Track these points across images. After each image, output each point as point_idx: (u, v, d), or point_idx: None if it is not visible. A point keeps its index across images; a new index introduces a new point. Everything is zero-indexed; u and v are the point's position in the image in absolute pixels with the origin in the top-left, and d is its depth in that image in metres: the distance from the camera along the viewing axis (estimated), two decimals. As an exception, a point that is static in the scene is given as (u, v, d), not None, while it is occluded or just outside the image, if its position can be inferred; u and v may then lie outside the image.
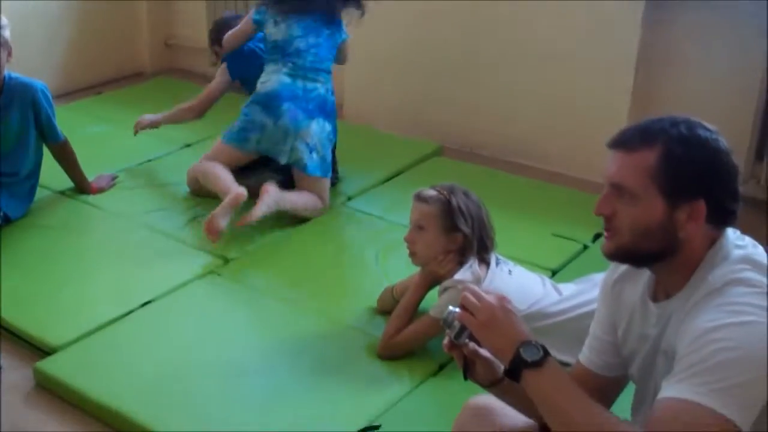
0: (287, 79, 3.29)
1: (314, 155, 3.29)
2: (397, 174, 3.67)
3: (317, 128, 3.30)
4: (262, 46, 3.47)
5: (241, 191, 3.13)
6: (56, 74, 4.58)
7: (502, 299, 1.53)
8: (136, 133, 3.72)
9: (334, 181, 3.51)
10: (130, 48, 5.01)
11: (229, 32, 3.50)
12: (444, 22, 3.95)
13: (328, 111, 3.37)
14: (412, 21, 4.04)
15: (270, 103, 3.26)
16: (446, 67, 4.01)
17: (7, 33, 3.15)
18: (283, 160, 3.28)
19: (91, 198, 3.47)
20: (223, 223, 3.08)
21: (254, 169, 3.41)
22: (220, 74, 3.58)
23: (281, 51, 3.32)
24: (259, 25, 3.41)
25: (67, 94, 4.58)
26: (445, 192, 2.45)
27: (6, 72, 3.20)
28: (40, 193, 3.43)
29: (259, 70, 3.39)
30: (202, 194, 3.43)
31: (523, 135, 3.90)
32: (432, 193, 2.46)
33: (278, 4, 3.33)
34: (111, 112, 4.38)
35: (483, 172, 3.70)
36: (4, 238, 3.14)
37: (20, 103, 3.24)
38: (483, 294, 1.53)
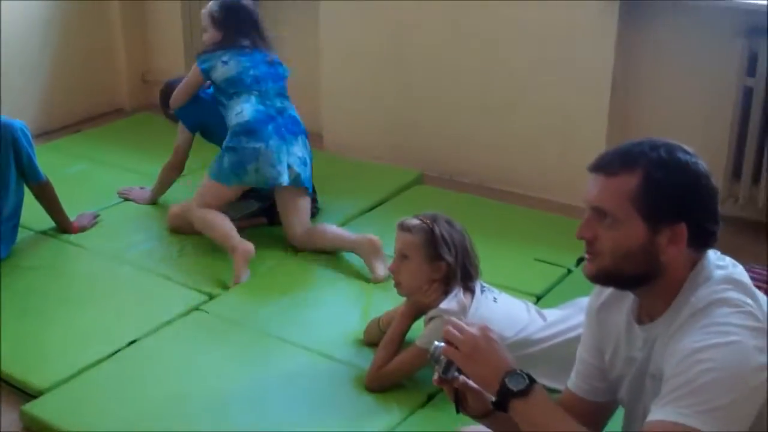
0: (260, 106, 3.31)
1: (307, 169, 3.34)
2: (379, 203, 3.68)
3: (303, 143, 3.36)
4: (209, 91, 3.49)
5: (249, 247, 3.13)
6: (35, 113, 4.56)
7: (484, 329, 1.54)
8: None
9: (314, 212, 3.52)
10: (109, 85, 5.01)
11: (176, 90, 3.51)
12: (421, 49, 3.98)
13: (303, 130, 3.42)
14: (389, 47, 4.07)
15: (254, 129, 3.26)
16: (424, 93, 4.04)
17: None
18: (284, 181, 3.24)
19: (73, 237, 3.46)
20: (245, 277, 3.10)
21: (236, 201, 3.42)
22: (181, 131, 3.59)
23: (241, 83, 3.35)
24: (207, 72, 3.40)
25: (47, 133, 4.56)
26: (428, 221, 2.46)
27: (-17, 113, 3.21)
28: (21, 234, 3.41)
29: (215, 116, 3.42)
30: (184, 232, 3.43)
31: (504, 161, 3.93)
32: (415, 222, 2.47)
33: (221, 45, 3.38)
34: (91, 150, 4.37)
35: (465, 199, 3.72)
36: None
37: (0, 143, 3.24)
38: (465, 326, 1.55)
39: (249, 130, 3.26)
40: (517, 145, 3.88)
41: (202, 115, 3.53)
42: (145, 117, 4.81)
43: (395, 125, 4.17)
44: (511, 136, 3.88)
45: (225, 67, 3.36)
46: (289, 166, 3.26)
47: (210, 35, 3.45)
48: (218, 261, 3.22)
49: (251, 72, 3.36)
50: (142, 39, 5.01)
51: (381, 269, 3.06)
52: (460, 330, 1.53)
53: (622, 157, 1.51)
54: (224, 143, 3.32)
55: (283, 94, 3.42)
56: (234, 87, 3.35)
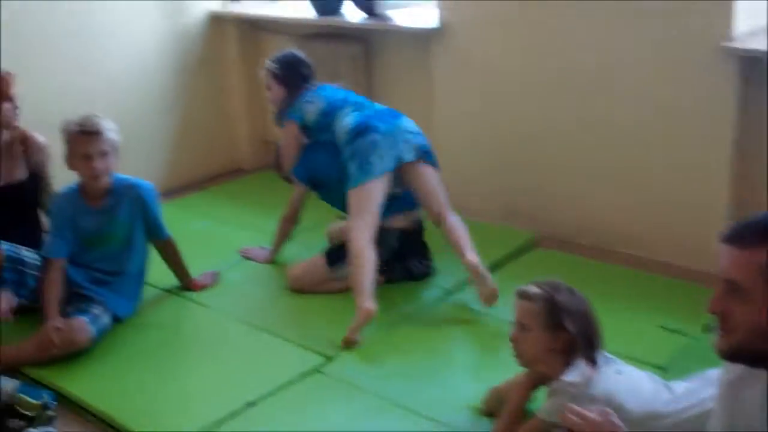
0: (357, 112, 3.46)
1: (425, 140, 3.46)
2: (495, 266, 3.64)
3: (408, 120, 3.48)
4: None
5: (372, 309, 3.15)
6: (162, 172, 4.77)
7: (606, 414, 1.50)
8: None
9: (427, 273, 3.53)
10: (230, 145, 5.18)
11: (281, 154, 3.67)
12: (535, 109, 3.96)
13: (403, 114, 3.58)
14: (501, 108, 4.07)
15: (362, 128, 3.37)
16: (538, 152, 4.00)
17: (115, 137, 3.30)
18: (409, 157, 3.36)
19: (195, 295, 3.55)
20: (358, 337, 3.13)
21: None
22: (296, 185, 3.68)
23: (334, 109, 3.52)
24: (301, 120, 3.57)
25: (171, 192, 4.74)
26: (548, 289, 2.42)
27: (114, 173, 3.34)
28: (147, 292, 3.53)
29: (322, 163, 3.53)
30: (303, 292, 3.48)
31: (622, 222, 3.84)
32: (535, 290, 2.43)
33: (290, 97, 3.60)
34: (214, 207, 4.52)
35: (582, 263, 3.65)
36: (112, 337, 3.23)
37: (128, 203, 3.36)
38: (586, 412, 1.50)
39: (358, 131, 3.37)
40: (635, 205, 3.79)
41: (311, 166, 3.60)
42: (264, 176, 4.94)
43: (509, 185, 4.15)
44: (629, 196, 3.80)
45: (313, 105, 3.55)
46: (406, 142, 3.37)
47: (275, 92, 3.66)
48: (337, 322, 3.23)
49: (337, 96, 3.58)
50: (262, 103, 5.16)
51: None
52: (582, 417, 1.50)
53: (754, 229, 1.47)
54: (345, 155, 3.39)
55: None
56: (330, 116, 3.51)
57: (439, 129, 4.26)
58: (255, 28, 5.05)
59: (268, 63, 3.66)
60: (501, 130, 4.10)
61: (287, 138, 3.64)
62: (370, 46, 4.55)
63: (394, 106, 4.05)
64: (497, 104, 4.08)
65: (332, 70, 4.53)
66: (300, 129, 3.60)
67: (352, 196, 3.34)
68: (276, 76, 3.63)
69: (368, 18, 4.38)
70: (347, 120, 3.43)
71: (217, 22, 4.99)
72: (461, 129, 4.23)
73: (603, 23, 3.64)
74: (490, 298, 3.22)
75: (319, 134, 3.56)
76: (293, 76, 3.63)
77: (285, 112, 3.63)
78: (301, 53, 3.76)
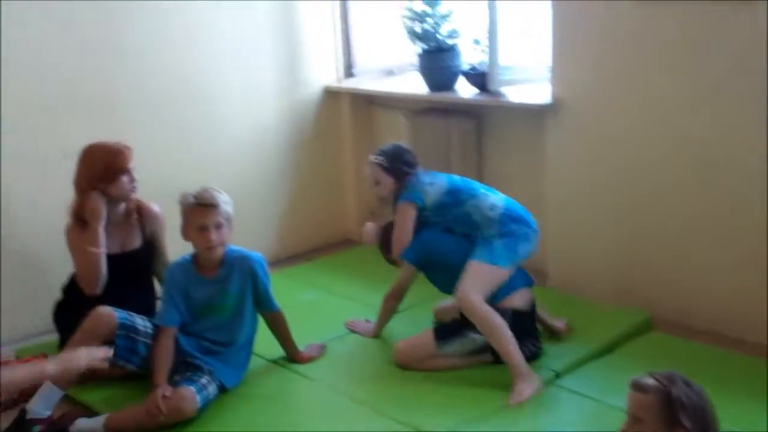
0: (498, 195, 3.52)
1: None
2: (608, 349, 3.52)
3: None
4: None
5: (540, 382, 3.23)
6: (271, 242, 4.85)
7: None
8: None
9: (536, 354, 3.45)
10: (340, 217, 5.24)
11: (395, 237, 3.62)
12: (652, 184, 3.86)
13: None
14: (617, 183, 3.98)
15: (518, 216, 3.46)
16: (655, 231, 3.89)
17: (230, 209, 3.37)
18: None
19: (302, 367, 3.55)
20: (526, 396, 3.17)
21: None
22: (404, 269, 3.66)
23: (458, 189, 3.54)
24: (421, 202, 3.56)
25: (280, 261, 4.80)
26: (664, 381, 2.31)
27: (227, 245, 3.40)
28: (254, 362, 3.54)
29: (437, 247, 3.52)
30: (410, 368, 3.44)
31: (742, 307, 3.67)
32: (650, 381, 2.33)
33: (400, 186, 3.62)
34: (322, 278, 4.55)
35: (698, 349, 3.49)
36: (217, 406, 3.25)
37: (239, 274, 3.41)
38: None
39: (514, 217, 3.43)
40: (756, 289, 3.61)
41: (422, 251, 3.57)
42: (372, 248, 4.94)
43: (623, 264, 4.04)
44: (750, 280, 3.62)
45: (435, 186, 3.57)
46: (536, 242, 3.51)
47: (384, 185, 3.67)
48: (441, 400, 3.18)
49: (456, 178, 3.62)
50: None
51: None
52: None
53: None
54: (489, 232, 3.41)
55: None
56: (455, 196, 3.52)
57: (550, 206, 4.21)
58: (368, 102, 5.13)
59: (374, 158, 3.68)
60: (616, 207, 4.01)
61: (404, 221, 3.59)
62: (482, 122, 4.55)
63: (505, 182, 4.07)
64: (612, 181, 4.00)
65: (443, 146, 4.56)
66: (417, 212, 3.59)
67: (482, 269, 3.36)
68: (385, 169, 3.65)
69: (481, 94, 4.39)
70: (492, 201, 3.48)
71: (332, 96, 5.09)
72: (574, 206, 4.16)
73: (729, 99, 3.55)
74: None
75: (434, 217, 3.55)
76: (401, 165, 3.64)
77: (401, 195, 3.61)
78: (403, 144, 3.80)
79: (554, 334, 3.62)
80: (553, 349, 3.52)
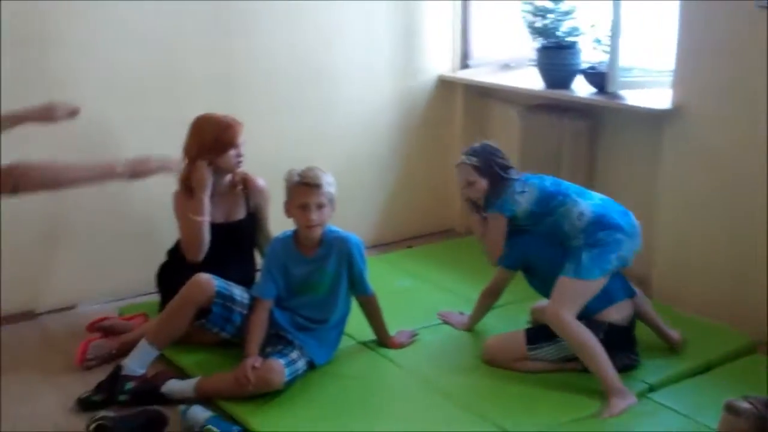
0: (590, 200, 3.39)
1: None
2: (706, 368, 3.41)
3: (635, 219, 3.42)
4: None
5: (634, 398, 3.16)
6: (372, 226, 4.89)
7: None
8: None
9: (633, 366, 3.36)
10: (445, 206, 5.23)
11: (487, 246, 3.57)
12: (763, 201, 3.71)
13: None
14: (736, 197, 3.82)
15: (604, 221, 3.31)
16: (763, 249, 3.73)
17: (333, 190, 3.40)
18: (631, 262, 3.37)
19: (391, 352, 3.56)
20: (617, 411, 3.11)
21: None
22: (500, 273, 3.61)
23: (550, 196, 3.43)
24: (512, 212, 3.47)
25: (380, 246, 4.83)
26: (759, 406, 2.23)
27: (327, 225, 3.44)
28: (344, 342, 3.58)
29: (534, 252, 3.45)
30: (497, 365, 3.41)
31: None
32: (745, 405, 2.24)
33: (495, 188, 3.49)
34: (419, 266, 4.55)
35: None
36: (305, 382, 3.30)
37: (337, 255, 3.45)
38: None
39: (601, 224, 3.30)
40: None
41: (523, 254, 3.52)
42: (474, 240, 4.91)
43: (732, 281, 3.88)
44: None
45: (526, 195, 3.45)
46: (637, 245, 3.36)
47: (477, 186, 3.55)
48: (525, 401, 3.15)
49: (547, 183, 3.48)
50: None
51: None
52: None
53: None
54: (576, 242, 3.31)
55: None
56: (546, 204, 3.42)
57: (662, 215, 4.09)
58: (481, 94, 5.09)
59: (467, 158, 3.60)
60: (731, 221, 3.85)
61: (495, 232, 3.53)
62: (597, 124, 4.45)
63: (616, 186, 3.96)
64: (729, 194, 3.84)
65: (555, 144, 4.48)
66: (508, 221, 3.53)
67: (572, 285, 3.26)
68: (478, 169, 3.54)
69: (598, 94, 4.29)
70: (581, 208, 3.36)
71: (446, 85, 5.07)
72: (687, 217, 4.02)
73: None
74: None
75: (528, 224, 3.48)
76: (494, 166, 3.53)
77: (492, 204, 3.55)
78: (494, 143, 3.65)
79: (669, 345, 3.52)
80: (650, 362, 3.42)
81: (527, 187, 3.48)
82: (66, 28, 3.92)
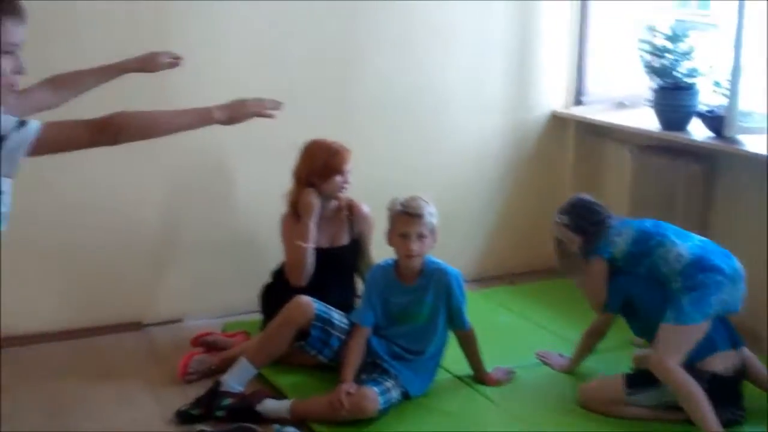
0: (688, 241, 3.30)
1: None
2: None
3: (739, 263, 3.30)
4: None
5: None
6: (472, 260, 4.85)
7: None
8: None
9: (738, 422, 3.22)
10: (547, 244, 5.12)
11: (589, 294, 3.54)
12: None
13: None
14: None
15: (704, 263, 3.21)
16: None
17: (435, 221, 3.40)
18: (736, 307, 3.24)
19: (486, 389, 3.52)
20: None
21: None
22: (602, 320, 3.54)
23: (647, 236, 3.36)
24: (610, 255, 3.42)
25: (480, 280, 4.79)
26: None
27: (427, 256, 3.44)
28: (440, 375, 3.56)
29: (635, 295, 3.37)
30: (593, 410, 3.32)
31: None
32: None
33: (589, 239, 3.45)
34: (519, 303, 4.49)
35: None
36: (398, 412, 3.29)
37: (436, 286, 3.44)
38: None
39: (700, 266, 3.21)
40: None
41: (624, 294, 3.43)
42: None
43: None
44: None
45: (623, 237, 3.40)
46: (740, 290, 3.24)
47: (572, 242, 3.52)
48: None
49: (646, 225, 3.42)
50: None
51: None
52: None
53: None
54: (676, 286, 3.23)
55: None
56: (644, 244, 3.35)
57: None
58: (594, 132, 5.01)
59: (557, 216, 3.56)
60: None
61: (596, 278, 3.47)
62: (712, 168, 4.32)
63: (731, 235, 3.81)
64: None
65: (668, 187, 4.37)
66: (607, 265, 3.46)
67: (675, 332, 3.17)
68: (569, 227, 3.53)
69: (715, 138, 4.17)
70: (679, 249, 3.28)
71: (558, 121, 5.02)
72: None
73: None
74: None
75: (627, 265, 3.41)
76: (586, 224, 3.50)
77: (589, 252, 3.48)
78: (588, 196, 3.63)
79: None
80: (756, 419, 3.28)
81: (624, 228, 3.44)
82: (188, 50, 4.06)
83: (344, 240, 3.80)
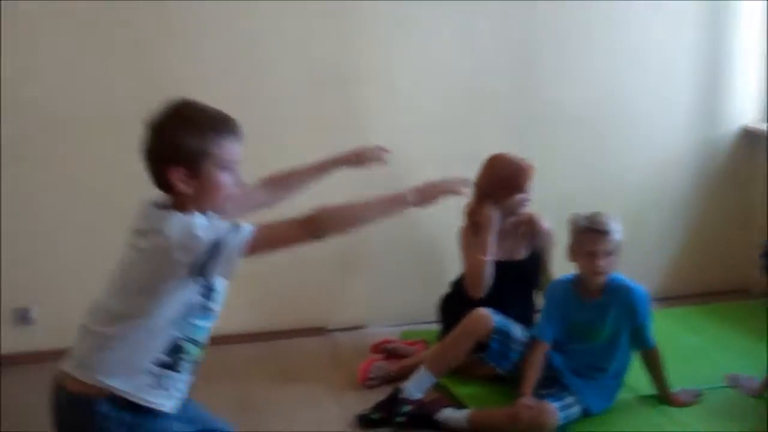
0: None
1: None
2: None
3: None
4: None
5: None
6: (658, 278, 4.70)
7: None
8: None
9: None
10: (741, 264, 4.91)
11: None
12: None
13: None
14: None
15: None
16: None
17: (620, 237, 3.33)
18: None
19: (671, 410, 3.40)
20: None
21: None
22: None
23: None
24: None
25: (667, 299, 4.64)
26: None
27: (611, 273, 3.37)
28: (623, 394, 3.47)
29: None
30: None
31: None
32: None
33: None
34: (708, 324, 4.33)
35: None
36: (578, 429, 3.25)
37: (619, 304, 3.37)
38: None
39: None
40: None
41: None
42: (768, 303, 4.60)
43: None
44: None
45: None
46: None
47: None
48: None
49: None
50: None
51: None
52: None
53: None
54: None
55: None
56: None
57: None
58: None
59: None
60: None
61: None
62: None
63: None
64: None
65: None
66: None
67: None
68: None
69: None
70: None
71: (750, 137, 4.80)
72: None
73: None
74: None
75: None
76: None
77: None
78: None
79: None
80: None
81: None
82: (372, 67, 4.21)
83: (522, 254, 3.79)
